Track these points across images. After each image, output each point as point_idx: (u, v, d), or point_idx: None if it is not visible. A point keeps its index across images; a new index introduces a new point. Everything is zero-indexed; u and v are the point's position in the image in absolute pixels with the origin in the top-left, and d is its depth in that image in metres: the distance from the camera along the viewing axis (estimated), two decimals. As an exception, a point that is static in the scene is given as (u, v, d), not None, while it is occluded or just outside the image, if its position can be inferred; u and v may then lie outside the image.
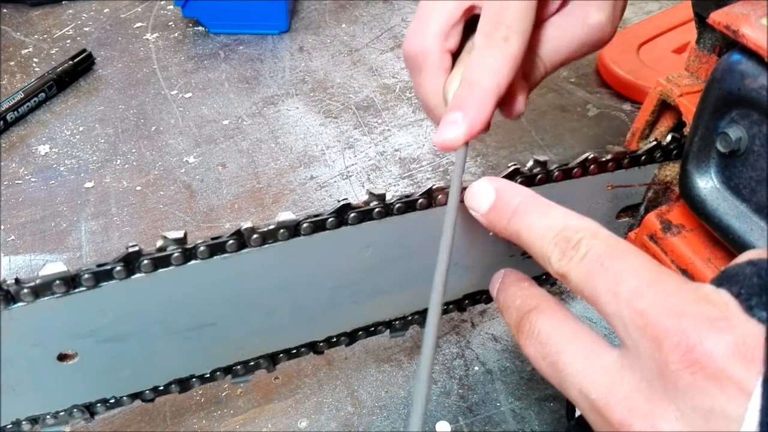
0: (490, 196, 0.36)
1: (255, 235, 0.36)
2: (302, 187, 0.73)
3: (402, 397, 0.54)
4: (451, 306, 0.47)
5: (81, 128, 0.82)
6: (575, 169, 0.43)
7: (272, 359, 0.43)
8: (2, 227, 0.69)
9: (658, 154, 0.46)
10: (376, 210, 0.39)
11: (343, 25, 0.99)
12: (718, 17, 0.40)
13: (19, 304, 0.33)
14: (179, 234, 0.35)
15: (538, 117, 0.82)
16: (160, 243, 0.35)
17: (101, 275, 0.34)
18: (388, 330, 0.46)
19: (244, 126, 0.82)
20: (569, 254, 0.31)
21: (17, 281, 0.33)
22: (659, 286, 0.28)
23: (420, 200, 0.40)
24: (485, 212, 0.36)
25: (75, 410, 0.39)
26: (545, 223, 0.33)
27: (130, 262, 0.34)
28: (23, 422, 0.38)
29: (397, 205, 0.39)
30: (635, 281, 0.29)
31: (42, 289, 0.33)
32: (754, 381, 0.25)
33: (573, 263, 0.31)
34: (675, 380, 0.26)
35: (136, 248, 0.34)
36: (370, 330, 0.45)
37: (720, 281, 0.29)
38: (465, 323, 0.59)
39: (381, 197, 0.39)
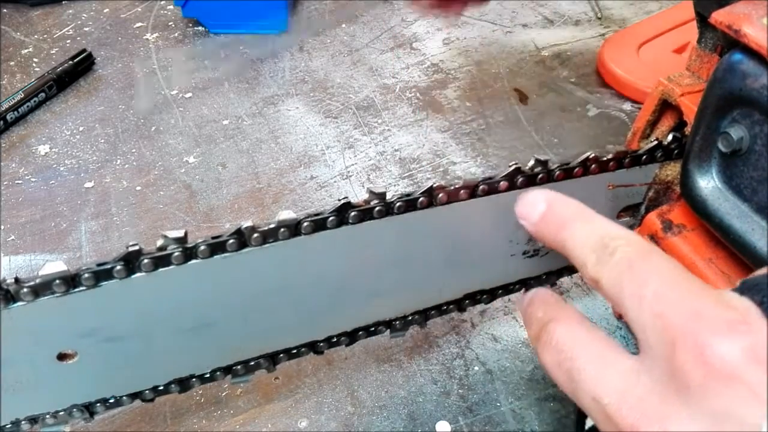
0: (541, 207, 0.37)
1: (255, 235, 0.36)
2: (302, 187, 0.73)
3: (402, 397, 0.54)
4: (451, 306, 0.47)
5: (81, 128, 0.81)
6: (576, 169, 0.43)
7: (272, 359, 0.43)
8: (2, 227, 0.69)
9: (659, 154, 0.46)
10: (377, 209, 0.39)
11: (343, 25, 0.99)
12: (719, 17, 0.40)
13: (19, 303, 0.33)
14: (179, 233, 0.35)
15: (538, 117, 0.82)
16: (160, 242, 0.35)
17: (101, 274, 0.34)
18: (388, 330, 0.46)
19: (244, 126, 0.82)
20: (604, 260, 0.31)
21: (17, 280, 0.33)
22: (681, 290, 0.28)
23: (420, 199, 0.39)
24: (536, 222, 0.37)
25: (75, 410, 0.39)
26: (587, 231, 0.34)
27: (131, 262, 0.34)
28: (23, 422, 0.38)
29: (398, 204, 0.39)
30: (658, 283, 0.29)
31: (42, 288, 0.33)
32: None
33: (606, 268, 0.31)
34: (688, 382, 0.26)
35: (136, 247, 0.34)
36: (370, 330, 0.45)
37: (742, 290, 0.29)
38: (465, 323, 0.59)
39: (381, 196, 0.39)
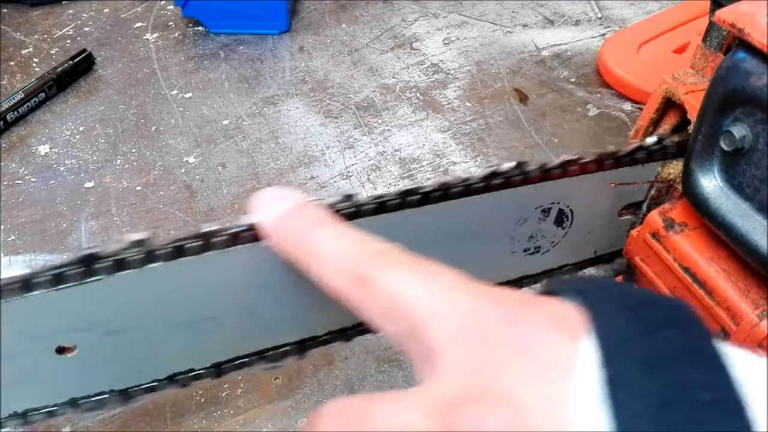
0: (287, 204, 0.35)
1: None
2: (302, 187, 0.73)
3: (403, 397, 0.53)
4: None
5: (81, 128, 0.81)
6: (579, 166, 0.42)
7: (271, 356, 0.43)
8: (2, 227, 0.69)
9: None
10: (374, 207, 0.38)
11: (343, 25, 0.99)
12: (723, 15, 0.40)
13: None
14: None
15: (538, 117, 0.82)
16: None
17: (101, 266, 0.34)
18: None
19: (244, 126, 0.81)
20: (375, 260, 0.29)
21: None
22: (473, 284, 0.27)
23: (421, 196, 0.39)
24: (280, 214, 0.35)
25: (72, 404, 0.38)
26: (349, 232, 0.31)
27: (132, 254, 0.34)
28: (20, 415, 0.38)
29: (398, 201, 0.39)
30: (451, 278, 0.28)
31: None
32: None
33: (380, 268, 0.29)
34: (505, 338, 0.24)
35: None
36: (367, 328, 0.45)
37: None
38: (466, 323, 0.59)
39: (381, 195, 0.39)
